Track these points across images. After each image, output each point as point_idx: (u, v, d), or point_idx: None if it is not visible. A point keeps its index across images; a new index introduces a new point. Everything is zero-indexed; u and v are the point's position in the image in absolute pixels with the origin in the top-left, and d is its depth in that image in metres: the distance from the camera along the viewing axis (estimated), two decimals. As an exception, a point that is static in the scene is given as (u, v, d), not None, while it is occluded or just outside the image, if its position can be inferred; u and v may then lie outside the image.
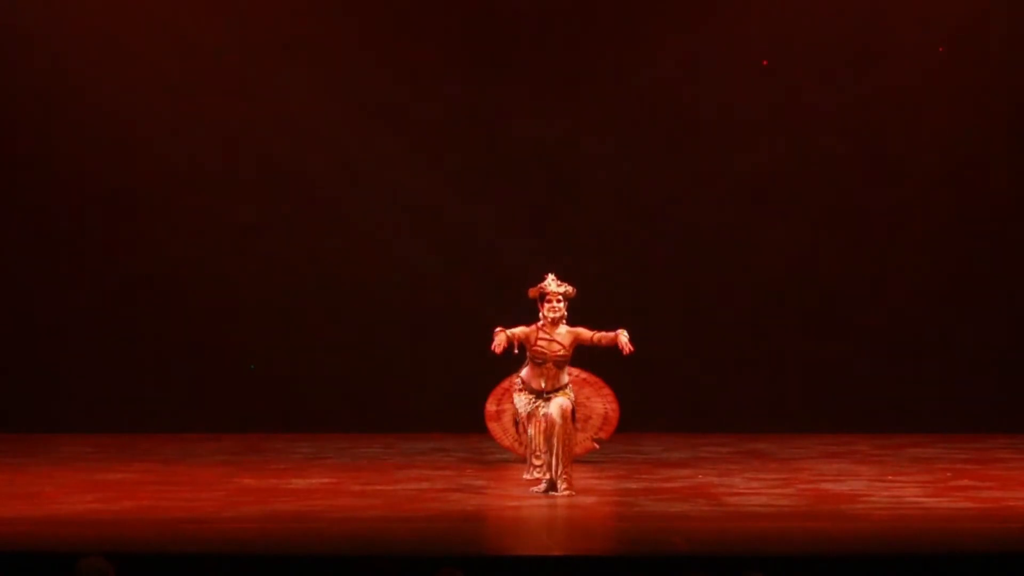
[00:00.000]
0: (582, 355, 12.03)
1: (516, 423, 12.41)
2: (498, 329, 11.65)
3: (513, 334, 11.65)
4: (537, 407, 11.74)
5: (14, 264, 17.39)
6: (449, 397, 16.85)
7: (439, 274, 17.23)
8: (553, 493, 11.57)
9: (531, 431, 11.93)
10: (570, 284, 11.79)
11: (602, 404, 14.08)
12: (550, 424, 11.57)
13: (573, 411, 11.75)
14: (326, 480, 12.84)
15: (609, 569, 8.79)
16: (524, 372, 11.89)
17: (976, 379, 17.21)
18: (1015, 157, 17.33)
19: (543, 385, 11.72)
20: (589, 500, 11.54)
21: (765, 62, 17.36)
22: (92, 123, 17.31)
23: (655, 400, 17.00)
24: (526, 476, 12.51)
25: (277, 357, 17.43)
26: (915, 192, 17.37)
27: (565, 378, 11.80)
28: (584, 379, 13.68)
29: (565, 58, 17.36)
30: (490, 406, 14.20)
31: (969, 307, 17.32)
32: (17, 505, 11.14)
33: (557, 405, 11.60)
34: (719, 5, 17.35)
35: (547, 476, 11.66)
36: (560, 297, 11.69)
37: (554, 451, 11.55)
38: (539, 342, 11.68)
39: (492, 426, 14.20)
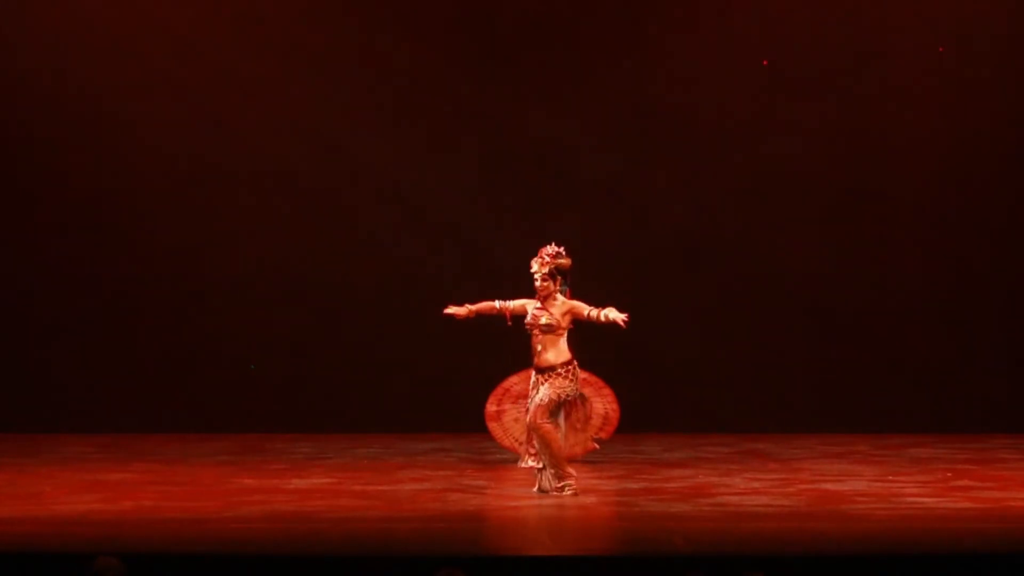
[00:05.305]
0: (583, 355, 12.02)
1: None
2: (497, 303, 11.79)
3: (509, 307, 11.79)
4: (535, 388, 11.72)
5: (14, 264, 17.39)
6: (449, 397, 16.86)
7: (439, 274, 17.22)
8: (553, 493, 11.57)
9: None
10: (561, 257, 11.74)
11: (602, 404, 14.08)
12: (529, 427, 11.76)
13: (558, 403, 11.63)
14: (326, 480, 12.84)
15: (609, 569, 8.80)
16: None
17: (975, 379, 17.22)
18: (1015, 157, 17.33)
19: (534, 355, 11.70)
20: (589, 500, 11.55)
21: (765, 62, 17.36)
22: (89, 122, 17.31)
23: (655, 400, 17.02)
24: (521, 464, 12.72)
25: (277, 357, 17.44)
26: (915, 192, 17.38)
27: (560, 351, 11.67)
28: (584, 379, 13.63)
29: (565, 58, 17.37)
30: (490, 406, 14.21)
31: (969, 307, 17.32)
32: (18, 505, 11.15)
33: (531, 409, 11.62)
34: (719, 5, 17.35)
35: (540, 464, 11.69)
36: (543, 276, 11.67)
37: (541, 456, 11.67)
38: (532, 311, 11.73)
39: (492, 426, 14.21)
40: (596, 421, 14.00)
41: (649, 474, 13.29)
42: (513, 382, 14.07)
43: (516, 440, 13.91)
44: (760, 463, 14.11)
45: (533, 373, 11.77)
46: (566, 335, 11.73)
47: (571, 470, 11.74)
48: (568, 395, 11.67)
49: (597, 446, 13.99)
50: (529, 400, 11.80)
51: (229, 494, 11.92)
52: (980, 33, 17.20)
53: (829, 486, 12.37)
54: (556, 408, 11.65)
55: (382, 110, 17.45)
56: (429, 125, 17.45)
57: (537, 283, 11.70)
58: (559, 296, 11.72)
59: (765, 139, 17.36)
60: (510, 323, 11.82)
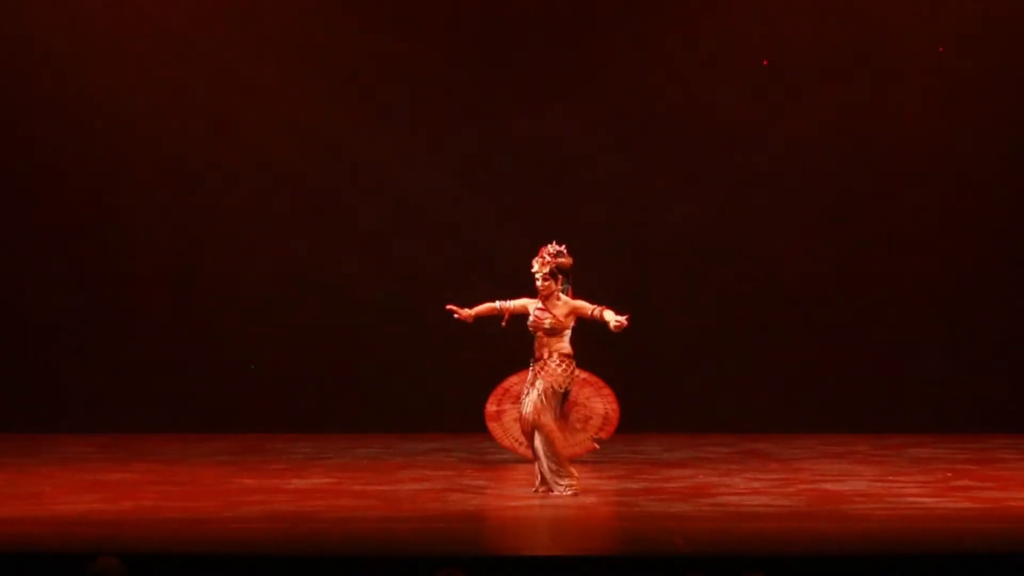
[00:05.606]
0: (583, 355, 12.02)
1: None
2: (497, 304, 11.77)
3: (509, 307, 11.74)
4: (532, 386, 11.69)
5: (14, 264, 17.39)
6: (449, 397, 16.86)
7: (439, 273, 17.22)
8: (555, 493, 11.57)
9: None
10: (562, 256, 11.71)
11: (602, 404, 14.07)
12: (527, 425, 11.65)
13: (554, 395, 11.58)
14: (326, 480, 12.84)
15: (609, 569, 8.79)
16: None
17: (976, 379, 17.22)
18: (1015, 157, 17.33)
19: (536, 354, 11.70)
20: (589, 500, 11.54)
21: (765, 62, 17.36)
22: (88, 122, 17.31)
23: (655, 400, 17.01)
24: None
25: (277, 357, 17.43)
26: (915, 192, 17.38)
27: (563, 347, 11.66)
28: (584, 379, 13.66)
29: (565, 58, 17.37)
30: (490, 406, 14.20)
31: (969, 307, 17.32)
32: (18, 505, 11.14)
33: (529, 407, 11.57)
34: (719, 5, 17.35)
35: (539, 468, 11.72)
36: (544, 275, 11.65)
37: (540, 458, 11.61)
38: (534, 312, 11.70)
39: (492, 426, 14.21)
40: (596, 421, 14.00)
41: (649, 474, 13.29)
42: (513, 382, 14.07)
43: (516, 440, 13.89)
44: (760, 463, 14.11)
45: (531, 364, 11.71)
46: (569, 332, 11.71)
47: (573, 469, 11.73)
48: (560, 387, 11.58)
49: (597, 446, 13.99)
50: (524, 394, 11.74)
51: (229, 494, 11.92)
52: (980, 33, 17.20)
53: (829, 486, 12.37)
54: (557, 402, 11.60)
55: (382, 110, 17.44)
56: (429, 125, 17.45)
57: (538, 283, 11.67)
58: (561, 295, 11.70)
59: (765, 139, 17.36)
60: (505, 324, 11.78)
